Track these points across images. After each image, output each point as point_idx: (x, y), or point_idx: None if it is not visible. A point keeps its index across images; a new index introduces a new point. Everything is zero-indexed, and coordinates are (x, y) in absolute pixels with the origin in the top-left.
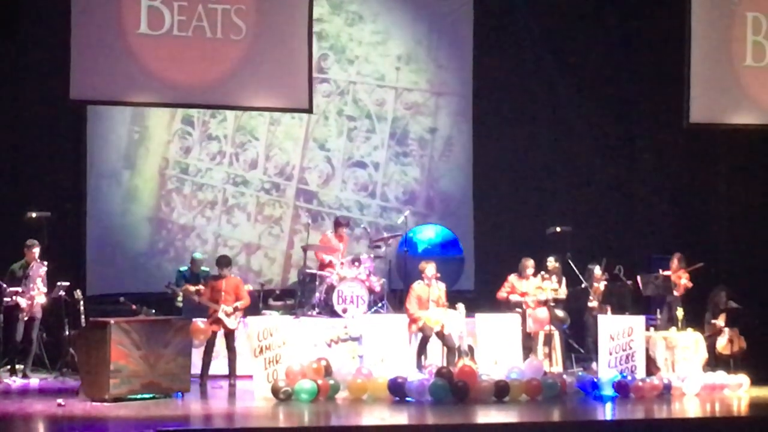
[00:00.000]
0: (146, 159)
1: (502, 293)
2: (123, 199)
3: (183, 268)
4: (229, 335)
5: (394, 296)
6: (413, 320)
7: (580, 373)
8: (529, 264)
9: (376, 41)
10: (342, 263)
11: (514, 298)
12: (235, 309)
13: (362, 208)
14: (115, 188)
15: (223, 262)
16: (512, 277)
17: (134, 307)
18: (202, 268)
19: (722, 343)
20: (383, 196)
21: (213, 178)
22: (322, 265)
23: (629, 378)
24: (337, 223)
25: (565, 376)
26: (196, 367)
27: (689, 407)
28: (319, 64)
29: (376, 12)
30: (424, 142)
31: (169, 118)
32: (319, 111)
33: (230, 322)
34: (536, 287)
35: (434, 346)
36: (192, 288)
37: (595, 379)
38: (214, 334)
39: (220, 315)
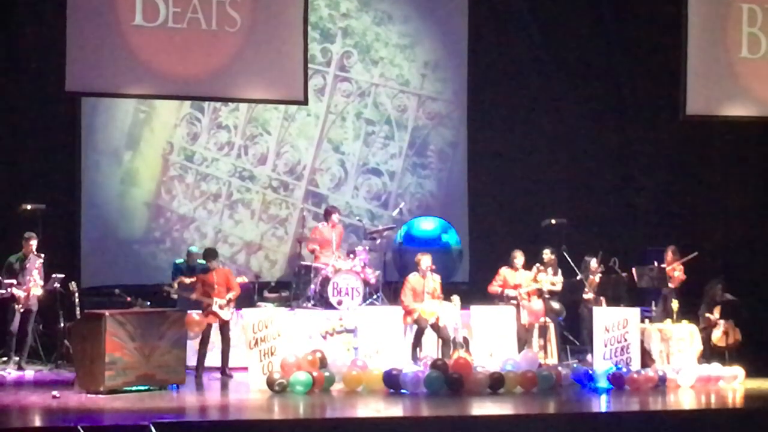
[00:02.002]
0: (150, 141)
1: (494, 287)
2: (122, 181)
3: (179, 261)
4: (224, 326)
5: (389, 288)
6: (408, 312)
7: (575, 365)
8: (518, 255)
9: (404, 44)
10: (339, 256)
11: (508, 291)
12: (229, 301)
13: (373, 218)
14: (115, 168)
15: (211, 254)
16: (504, 270)
17: (129, 299)
18: (198, 261)
19: (717, 335)
20: (396, 208)
21: (219, 169)
22: (317, 257)
23: (624, 370)
24: (327, 212)
25: (560, 368)
26: (190, 359)
27: (684, 399)
28: (341, 61)
29: (406, 14)
30: (444, 155)
31: (178, 102)
32: (337, 111)
33: (225, 314)
34: (530, 279)
35: (429, 338)
36: (187, 280)
37: (590, 371)
38: (209, 326)
39: (215, 308)
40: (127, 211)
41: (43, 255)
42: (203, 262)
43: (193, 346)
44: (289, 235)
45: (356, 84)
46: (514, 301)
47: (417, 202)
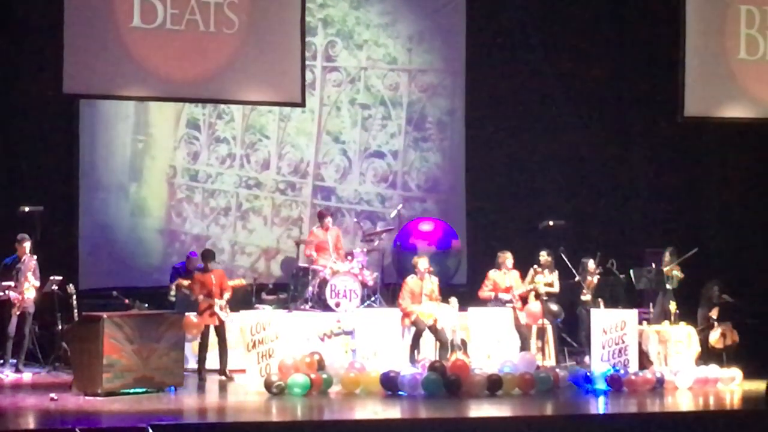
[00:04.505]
0: (152, 169)
1: (485, 292)
2: (131, 213)
3: (177, 265)
4: (221, 327)
5: (387, 290)
6: (406, 314)
7: (573, 367)
8: (508, 256)
9: (385, 22)
10: (337, 258)
11: (502, 295)
12: (227, 302)
13: (383, 200)
14: (123, 202)
15: (210, 255)
16: (493, 273)
17: (127, 301)
18: (198, 265)
19: (715, 337)
20: (405, 186)
21: (224, 182)
22: (315, 260)
23: (622, 372)
24: (321, 215)
25: (558, 370)
26: (188, 362)
27: (682, 401)
28: (326, 51)
29: None
30: (443, 124)
31: (173, 123)
32: (331, 102)
33: (223, 315)
34: (521, 280)
35: (427, 340)
36: (185, 282)
37: (588, 373)
38: (208, 327)
39: (216, 309)
40: (142, 242)
41: (35, 256)
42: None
43: (190, 348)
44: (305, 234)
45: (345, 71)
46: (510, 304)
47: (424, 177)
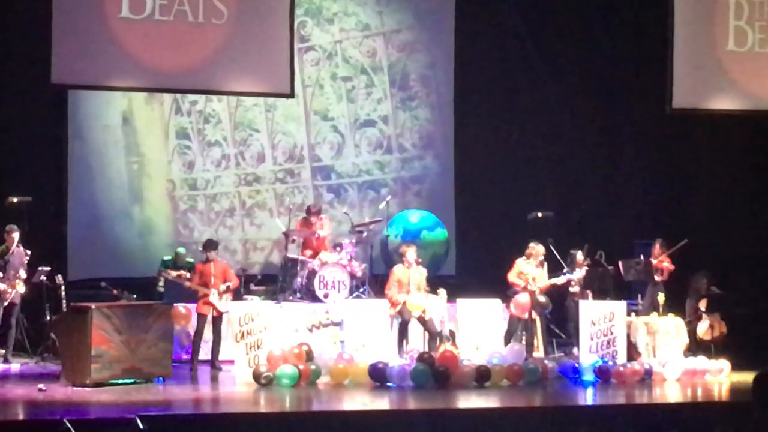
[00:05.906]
0: (151, 187)
1: (514, 278)
2: (139, 235)
3: (167, 258)
4: (218, 319)
5: (375, 281)
6: (393, 304)
7: (561, 359)
8: (540, 249)
9: None
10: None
11: (531, 286)
12: (227, 289)
13: (382, 167)
14: (129, 225)
15: (211, 245)
16: (521, 262)
17: (115, 291)
18: (187, 259)
19: (703, 329)
20: (401, 148)
21: (224, 184)
22: (304, 250)
23: (610, 363)
24: (307, 211)
25: (546, 362)
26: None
27: (670, 392)
28: (299, 32)
29: None
30: (426, 79)
31: (163, 138)
32: (312, 81)
33: (221, 305)
34: (544, 274)
35: (416, 331)
36: (174, 273)
37: (577, 365)
38: (204, 317)
39: (212, 299)
40: (154, 261)
41: (29, 252)
42: (191, 260)
43: (178, 339)
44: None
45: (321, 48)
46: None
47: (417, 135)
